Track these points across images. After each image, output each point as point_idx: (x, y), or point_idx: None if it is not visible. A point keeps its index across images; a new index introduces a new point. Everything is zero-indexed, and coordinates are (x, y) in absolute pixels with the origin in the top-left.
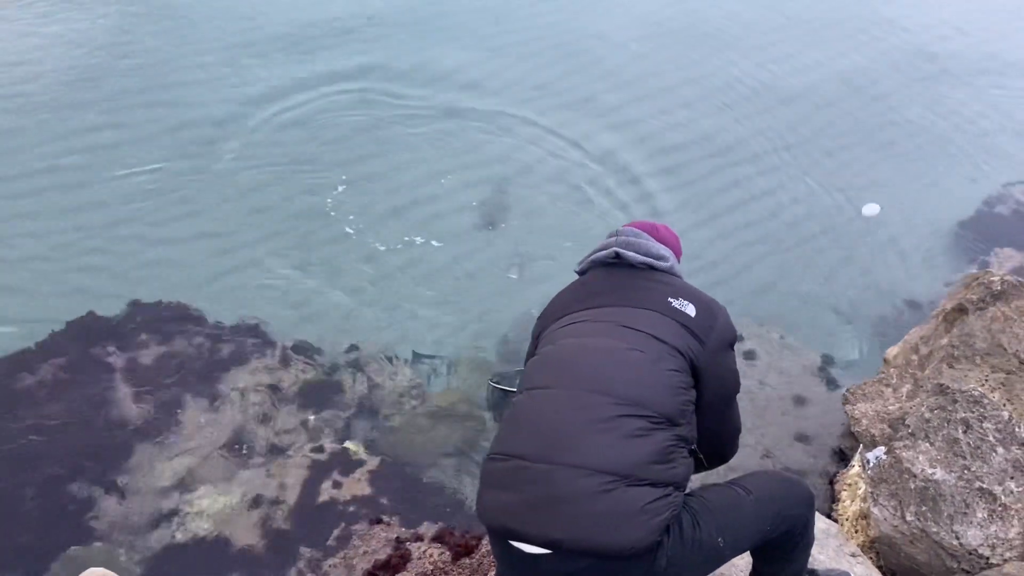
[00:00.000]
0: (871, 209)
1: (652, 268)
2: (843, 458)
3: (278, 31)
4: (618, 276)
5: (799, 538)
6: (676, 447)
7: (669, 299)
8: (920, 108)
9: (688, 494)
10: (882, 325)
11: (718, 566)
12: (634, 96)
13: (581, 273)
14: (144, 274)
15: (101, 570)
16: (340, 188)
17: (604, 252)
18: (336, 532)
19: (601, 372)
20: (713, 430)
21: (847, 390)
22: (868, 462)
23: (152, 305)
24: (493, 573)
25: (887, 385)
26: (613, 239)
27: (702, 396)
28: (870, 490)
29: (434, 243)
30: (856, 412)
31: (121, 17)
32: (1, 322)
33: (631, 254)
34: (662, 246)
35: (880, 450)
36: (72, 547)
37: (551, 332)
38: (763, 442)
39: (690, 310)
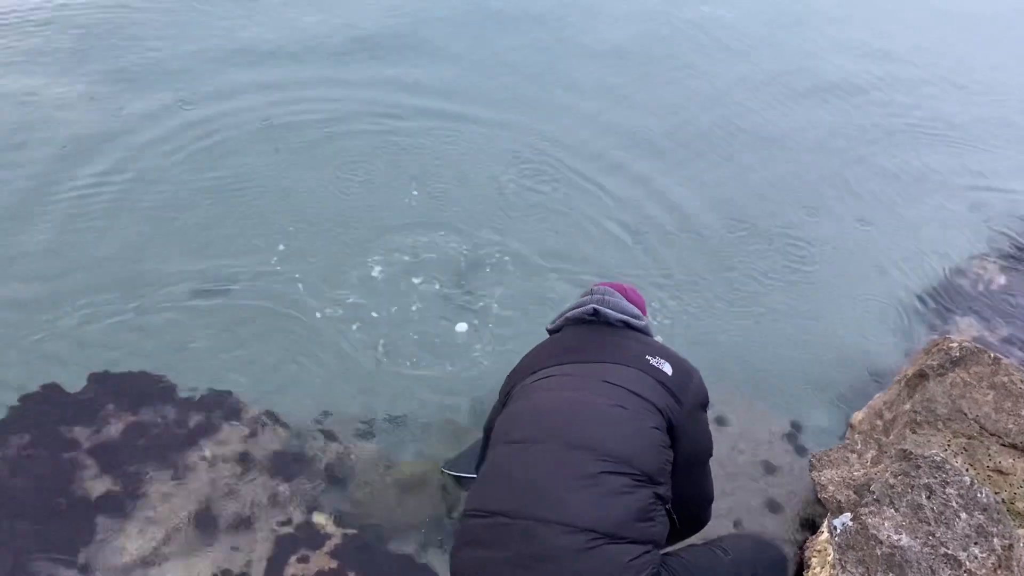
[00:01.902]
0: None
1: (628, 326)
2: (812, 525)
3: None
4: (595, 333)
5: None
6: (656, 505)
7: (647, 357)
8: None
9: (666, 553)
10: (849, 391)
11: None
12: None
13: (554, 331)
14: (110, 342)
15: None
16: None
17: (581, 309)
18: None
19: (584, 427)
20: (687, 494)
21: (812, 456)
22: (835, 528)
23: (119, 375)
24: None
25: (852, 451)
26: (588, 297)
27: (678, 456)
28: (838, 557)
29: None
30: (822, 478)
31: None
32: None
33: (609, 311)
34: (631, 305)
35: (847, 516)
36: None
37: (524, 387)
38: (735, 509)
39: (667, 368)
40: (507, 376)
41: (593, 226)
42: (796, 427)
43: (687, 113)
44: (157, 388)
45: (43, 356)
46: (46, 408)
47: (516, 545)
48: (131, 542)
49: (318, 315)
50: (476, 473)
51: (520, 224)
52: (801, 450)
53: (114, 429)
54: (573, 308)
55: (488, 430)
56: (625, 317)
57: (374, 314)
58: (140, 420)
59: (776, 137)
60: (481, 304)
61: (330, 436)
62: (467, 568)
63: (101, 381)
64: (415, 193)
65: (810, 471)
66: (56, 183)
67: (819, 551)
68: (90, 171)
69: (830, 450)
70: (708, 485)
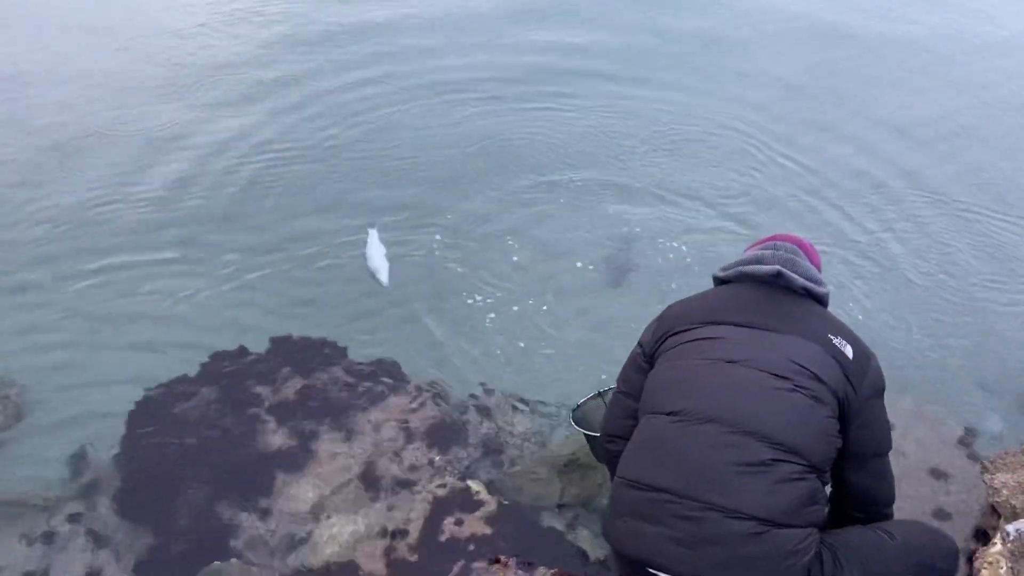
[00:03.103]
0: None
1: (810, 294)
2: (984, 536)
3: None
4: (774, 297)
5: None
6: (821, 490)
7: (829, 335)
8: None
9: (827, 532)
10: None
11: None
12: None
13: (722, 281)
14: (291, 312)
15: None
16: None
17: (763, 268)
18: (456, 569)
19: (758, 411)
20: (867, 489)
21: (986, 459)
22: (1008, 535)
23: (297, 341)
24: None
25: None
26: (771, 251)
27: (850, 446)
28: (1010, 565)
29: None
30: (996, 482)
31: None
32: (160, 350)
33: (793, 276)
34: (814, 267)
35: (1021, 522)
36: (215, 562)
37: (681, 345)
38: (899, 516)
39: (848, 352)
40: (655, 320)
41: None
42: (970, 433)
43: None
44: (329, 355)
45: (230, 319)
46: (233, 367)
47: (682, 525)
48: (302, 493)
49: (477, 297)
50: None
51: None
52: (974, 458)
53: (290, 390)
54: (750, 262)
55: (626, 384)
56: (809, 284)
57: (530, 301)
58: (313, 384)
59: None
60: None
61: (485, 412)
62: (628, 540)
63: (281, 345)
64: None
65: (982, 474)
66: None
67: (990, 563)
68: None
69: (1005, 453)
70: (889, 481)
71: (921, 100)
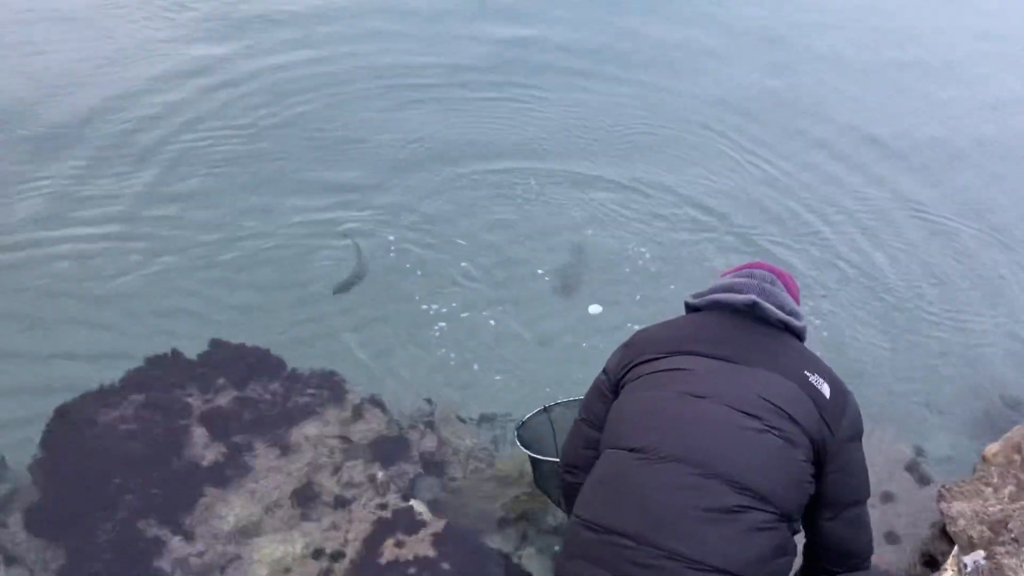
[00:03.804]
0: (595, 309)
1: (787, 328)
2: (933, 562)
3: None
4: (748, 329)
5: None
6: (790, 540)
7: (805, 372)
8: None
9: None
10: (978, 422)
11: None
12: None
13: (694, 308)
14: (226, 318)
15: None
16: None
17: (737, 297)
18: None
19: (726, 452)
20: (840, 537)
21: (942, 487)
22: (966, 567)
23: (233, 348)
24: None
25: (987, 484)
26: (745, 280)
27: (824, 493)
28: None
29: (509, 306)
30: (952, 511)
31: None
32: (87, 357)
33: (769, 308)
34: (792, 300)
35: (979, 554)
36: None
37: (648, 375)
38: None
39: (825, 390)
40: (622, 347)
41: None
42: (919, 454)
43: None
44: (266, 364)
45: (162, 329)
46: (162, 374)
47: (637, 572)
48: (232, 511)
49: (429, 306)
50: (548, 455)
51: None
52: (924, 480)
53: (224, 400)
54: (725, 290)
55: (589, 412)
56: (786, 318)
57: (483, 311)
58: (248, 395)
59: None
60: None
61: (429, 425)
62: None
63: (216, 352)
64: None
65: (938, 502)
66: None
67: None
68: None
69: (962, 482)
70: (867, 532)
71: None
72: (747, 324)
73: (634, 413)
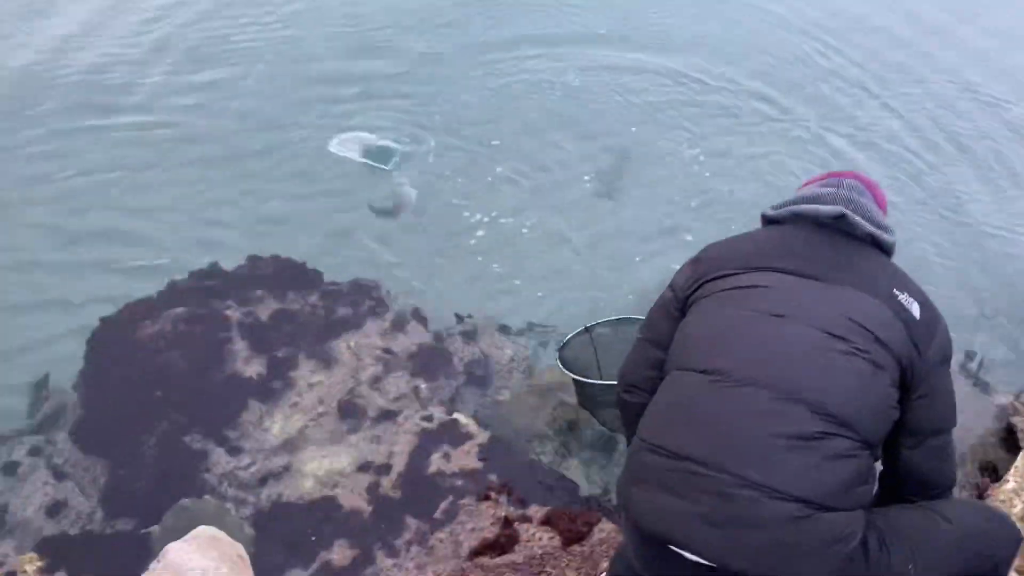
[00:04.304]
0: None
1: (875, 242)
2: (993, 470)
3: None
4: (833, 243)
5: None
6: (872, 468)
7: (895, 290)
8: None
9: (874, 511)
10: None
11: None
12: None
13: (772, 221)
14: (264, 230)
15: (211, 530)
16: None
17: (825, 208)
18: (443, 505)
19: (809, 375)
20: (922, 467)
21: (1017, 400)
22: None
23: (270, 260)
24: (605, 564)
25: None
26: (832, 190)
27: (908, 420)
28: None
29: (550, 213)
30: None
31: None
32: (126, 269)
33: (859, 220)
34: (880, 212)
35: None
36: (184, 498)
37: (720, 291)
38: None
39: (915, 311)
40: (690, 262)
41: None
42: (970, 357)
43: None
44: (305, 276)
45: (200, 240)
46: (202, 284)
47: (711, 501)
48: (277, 425)
49: (464, 214)
50: (590, 376)
51: None
52: (980, 384)
53: (264, 313)
54: (807, 200)
55: (652, 331)
56: (875, 231)
57: (519, 217)
58: (287, 307)
59: None
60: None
61: (470, 337)
62: (646, 511)
63: (254, 265)
64: None
65: (1011, 416)
66: None
67: (1002, 501)
68: None
69: None
70: (951, 463)
71: None
72: (832, 238)
73: (706, 332)
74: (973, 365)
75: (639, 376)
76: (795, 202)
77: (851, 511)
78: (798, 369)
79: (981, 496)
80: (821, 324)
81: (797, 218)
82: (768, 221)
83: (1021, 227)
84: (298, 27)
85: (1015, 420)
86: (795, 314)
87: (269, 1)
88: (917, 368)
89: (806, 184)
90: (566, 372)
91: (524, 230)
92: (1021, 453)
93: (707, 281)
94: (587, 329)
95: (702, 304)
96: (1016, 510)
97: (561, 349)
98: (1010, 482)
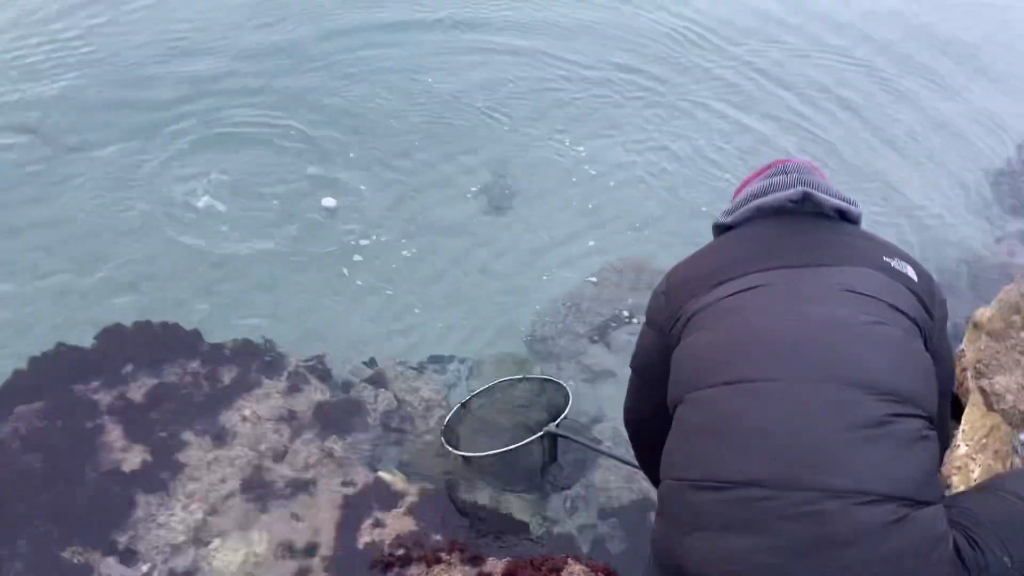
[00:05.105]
0: (329, 202)
1: (843, 216)
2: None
3: None
4: (805, 228)
5: None
6: (938, 451)
7: (884, 257)
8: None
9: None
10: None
11: None
12: None
13: (728, 227)
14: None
15: None
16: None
17: (784, 193)
18: None
19: (847, 354)
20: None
21: (979, 363)
22: (1022, 445)
23: (133, 328)
24: None
25: (1022, 352)
26: (783, 177)
27: None
28: None
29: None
30: (996, 387)
31: None
32: None
33: (824, 196)
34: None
35: None
36: None
37: (713, 306)
38: None
39: (911, 273)
40: (660, 295)
41: None
42: None
43: None
44: (178, 341)
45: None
46: (54, 372)
47: (792, 527)
48: (174, 518)
49: (350, 243)
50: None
51: None
52: None
53: (137, 392)
54: (761, 194)
55: (646, 373)
56: (841, 203)
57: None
58: (164, 380)
59: None
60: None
61: (379, 382)
62: (717, 562)
63: (113, 336)
64: None
65: (978, 379)
66: None
67: (959, 467)
68: None
69: (997, 352)
70: (947, 430)
71: None
72: (802, 223)
73: (718, 344)
74: None
75: (646, 412)
76: (749, 199)
77: (937, 504)
78: (837, 350)
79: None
80: (834, 304)
81: (756, 214)
82: (722, 229)
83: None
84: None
85: (983, 383)
86: (803, 302)
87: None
88: (929, 329)
89: (746, 182)
90: (452, 451)
91: (413, 257)
92: (964, 414)
93: (689, 304)
94: (463, 405)
95: (695, 324)
96: (975, 475)
97: (444, 432)
98: (961, 447)
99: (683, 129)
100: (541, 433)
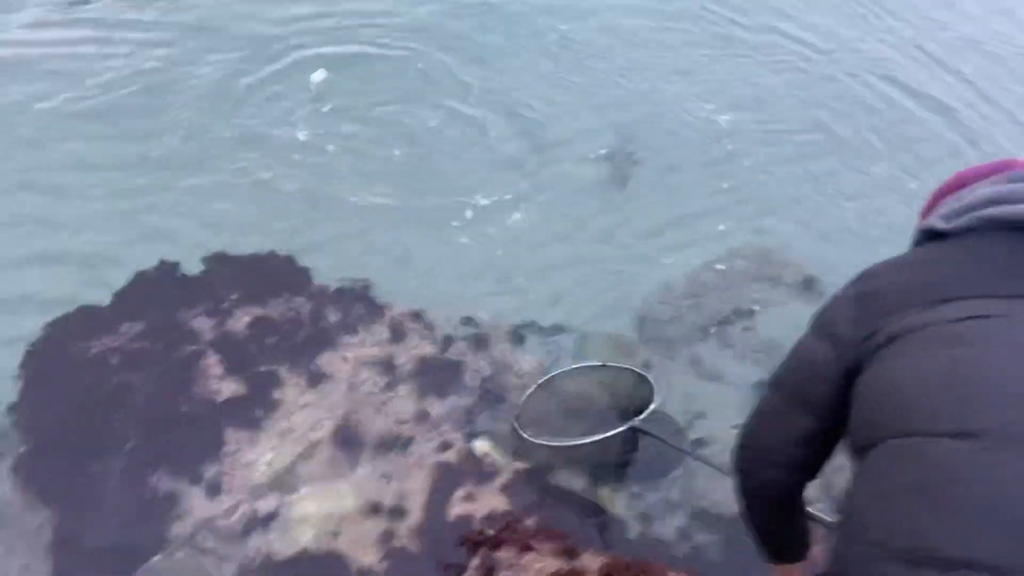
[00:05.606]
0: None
1: None
2: None
3: None
4: None
5: None
6: None
7: None
8: None
9: None
10: None
11: None
12: None
13: (940, 235)
14: (230, 219)
15: None
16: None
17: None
18: (476, 561)
19: None
20: None
21: None
22: None
23: (243, 258)
24: None
25: None
26: (1019, 185)
27: None
28: None
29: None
30: None
31: None
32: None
33: None
34: None
35: None
36: (154, 557)
37: (944, 326)
38: None
39: None
40: (849, 299)
41: None
42: None
43: None
44: (286, 275)
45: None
46: (160, 292)
47: None
48: (263, 457)
49: (466, 199)
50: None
51: None
52: None
53: (239, 323)
54: (997, 201)
55: (799, 396)
56: None
57: (521, 203)
58: (268, 314)
59: None
60: None
61: (482, 344)
62: None
63: (222, 263)
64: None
65: None
66: None
67: None
68: None
69: None
70: None
71: None
72: None
73: (939, 381)
74: None
75: (782, 454)
76: (977, 207)
77: None
78: None
79: None
80: None
81: (987, 225)
82: (934, 235)
83: None
84: None
85: None
86: None
87: None
88: None
89: (962, 182)
90: (528, 439)
91: (529, 218)
92: None
93: (894, 319)
94: (540, 387)
95: (902, 347)
96: None
97: (517, 418)
98: None
99: (847, 107)
100: (624, 427)
